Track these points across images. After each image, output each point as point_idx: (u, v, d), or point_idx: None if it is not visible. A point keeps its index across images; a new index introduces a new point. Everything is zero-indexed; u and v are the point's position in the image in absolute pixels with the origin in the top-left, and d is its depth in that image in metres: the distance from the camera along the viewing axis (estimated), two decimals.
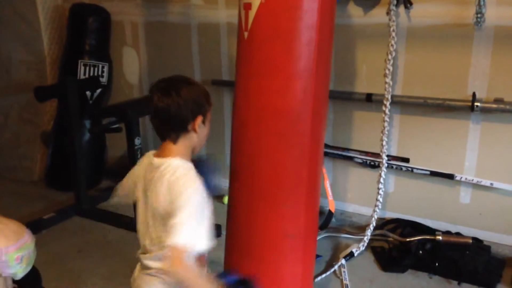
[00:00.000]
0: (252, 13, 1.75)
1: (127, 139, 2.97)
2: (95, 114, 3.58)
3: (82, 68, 3.66)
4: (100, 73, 3.71)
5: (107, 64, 3.77)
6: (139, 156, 2.98)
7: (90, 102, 3.67)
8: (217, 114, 3.55)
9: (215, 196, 1.52)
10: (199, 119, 1.46)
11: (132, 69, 3.89)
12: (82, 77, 3.64)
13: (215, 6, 3.33)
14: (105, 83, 3.75)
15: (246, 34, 1.79)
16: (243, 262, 1.96)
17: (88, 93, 3.63)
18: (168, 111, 1.41)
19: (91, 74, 3.66)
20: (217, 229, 3.05)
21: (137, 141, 2.97)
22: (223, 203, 3.50)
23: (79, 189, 3.37)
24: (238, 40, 1.91)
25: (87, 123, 3.63)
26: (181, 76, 1.50)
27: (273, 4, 1.74)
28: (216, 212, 3.45)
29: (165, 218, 1.37)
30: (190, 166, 1.43)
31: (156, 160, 1.45)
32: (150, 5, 3.64)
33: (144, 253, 1.51)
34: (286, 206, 1.91)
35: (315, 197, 2.02)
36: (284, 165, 1.88)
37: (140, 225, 1.51)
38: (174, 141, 1.44)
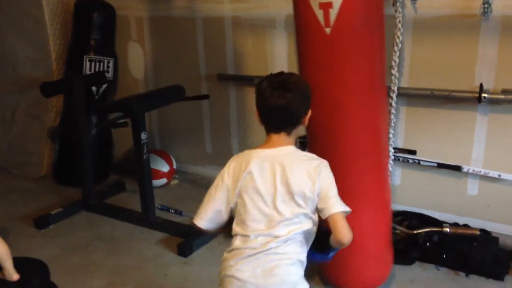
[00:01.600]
0: (334, 11, 1.90)
1: (133, 134, 2.98)
2: (101, 109, 3.59)
3: (88, 63, 3.67)
4: (105, 68, 3.71)
5: (112, 59, 3.77)
6: (145, 150, 3.00)
7: (96, 97, 3.68)
8: (223, 109, 3.55)
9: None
10: (309, 113, 1.57)
11: (137, 64, 3.89)
12: (87, 72, 3.65)
13: (220, 0, 3.32)
14: (111, 78, 3.76)
15: (328, 30, 1.94)
16: None
17: (94, 88, 3.64)
18: (291, 107, 1.50)
19: (97, 69, 3.67)
20: None
21: (143, 135, 2.98)
22: None
23: (86, 184, 3.38)
24: (313, 36, 2.01)
25: (93, 119, 3.64)
26: (288, 72, 1.60)
27: (355, 0, 1.93)
28: None
29: (307, 196, 1.47)
30: None
31: (273, 151, 1.53)
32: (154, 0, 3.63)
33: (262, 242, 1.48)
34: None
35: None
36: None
37: (256, 218, 1.49)
38: (289, 133, 1.55)
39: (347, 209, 1.48)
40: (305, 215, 1.49)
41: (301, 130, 1.59)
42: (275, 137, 1.54)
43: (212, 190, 1.58)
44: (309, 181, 1.47)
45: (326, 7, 1.91)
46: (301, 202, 1.47)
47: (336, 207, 1.47)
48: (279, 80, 1.51)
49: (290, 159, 1.51)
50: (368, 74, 2.05)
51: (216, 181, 1.58)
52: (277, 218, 1.47)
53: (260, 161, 1.51)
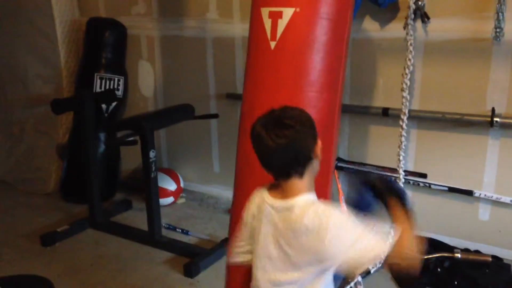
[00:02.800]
0: (283, 22, 1.69)
1: (141, 152, 2.97)
2: (111, 127, 3.59)
3: (98, 81, 3.69)
4: (116, 86, 3.74)
5: (122, 77, 3.80)
6: (153, 169, 2.99)
7: (106, 115, 3.70)
8: (232, 128, 3.54)
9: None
10: (319, 142, 1.31)
11: (147, 83, 3.91)
12: (98, 90, 3.67)
13: (230, 20, 3.34)
14: (121, 96, 3.77)
15: (273, 44, 1.73)
16: None
17: (103, 106, 3.66)
18: (293, 145, 1.25)
19: (107, 87, 3.69)
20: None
21: (151, 154, 2.97)
22: None
23: (93, 202, 3.37)
24: (258, 50, 1.83)
25: (102, 136, 3.65)
26: (281, 107, 1.32)
27: (307, 14, 1.69)
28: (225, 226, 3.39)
29: (310, 263, 1.27)
30: (315, 199, 1.32)
31: (280, 203, 1.31)
32: (166, 19, 3.67)
33: None
34: None
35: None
36: None
37: (260, 270, 1.37)
38: (301, 176, 1.29)
39: (390, 240, 1.24)
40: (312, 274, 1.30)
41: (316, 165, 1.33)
42: (284, 183, 1.30)
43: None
44: (318, 248, 1.24)
45: (275, 16, 1.70)
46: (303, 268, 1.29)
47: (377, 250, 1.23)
48: (273, 119, 1.27)
49: (294, 221, 1.27)
50: (312, 102, 1.78)
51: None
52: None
53: (267, 213, 1.34)
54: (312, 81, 1.77)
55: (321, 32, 1.72)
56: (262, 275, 1.36)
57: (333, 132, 1.90)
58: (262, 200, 1.37)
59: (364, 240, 1.22)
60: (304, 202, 1.28)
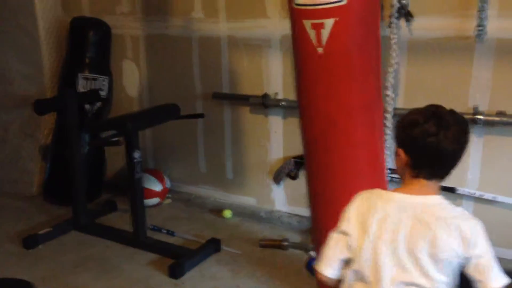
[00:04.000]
0: (326, 32, 1.89)
1: (126, 153, 2.95)
2: (95, 127, 3.56)
3: (82, 81, 3.65)
4: (100, 86, 3.70)
5: (107, 77, 3.76)
6: (138, 169, 2.96)
7: (90, 115, 3.65)
8: (218, 128, 3.53)
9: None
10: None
11: (132, 82, 3.88)
12: (81, 90, 3.63)
13: (216, 19, 3.33)
14: (105, 96, 3.73)
15: (320, 49, 1.93)
16: None
17: (87, 106, 3.62)
18: (461, 152, 1.30)
19: (91, 87, 3.65)
20: (217, 244, 3.02)
21: (136, 154, 2.94)
22: (223, 217, 3.47)
23: (77, 203, 3.33)
24: (307, 56, 2.00)
25: (86, 137, 3.61)
26: (439, 106, 1.35)
27: (346, 21, 1.90)
28: (216, 227, 3.40)
29: (450, 261, 1.27)
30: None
31: (414, 198, 1.31)
32: (151, 18, 3.64)
33: None
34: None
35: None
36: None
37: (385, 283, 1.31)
38: (443, 179, 1.33)
39: (508, 280, 1.29)
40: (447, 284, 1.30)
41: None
42: (423, 182, 1.31)
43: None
44: (461, 246, 1.27)
45: (318, 27, 1.90)
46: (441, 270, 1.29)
47: (499, 280, 1.29)
48: (444, 120, 1.27)
49: (438, 217, 1.28)
50: (361, 93, 2.04)
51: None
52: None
53: (398, 210, 1.31)
54: (360, 80, 2.01)
55: (360, 34, 1.95)
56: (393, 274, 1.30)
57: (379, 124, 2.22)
58: (385, 199, 1.35)
59: (494, 259, 1.31)
60: (439, 200, 1.32)
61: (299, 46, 2.06)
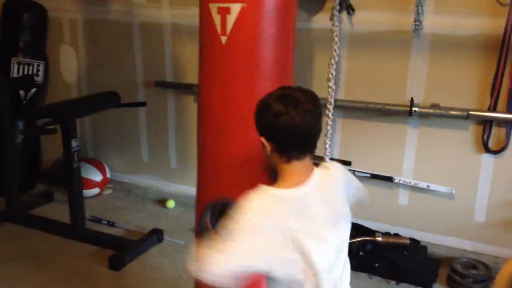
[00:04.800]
0: (232, 18, 1.73)
1: (63, 141, 2.84)
2: (29, 115, 3.39)
3: (16, 66, 3.46)
4: (35, 71, 3.52)
5: (42, 62, 3.59)
6: (76, 159, 2.86)
7: (24, 102, 3.48)
8: (161, 117, 3.47)
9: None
10: None
11: (70, 68, 3.73)
12: (15, 75, 3.45)
13: (158, 5, 3.25)
14: (41, 82, 3.57)
15: (224, 38, 1.77)
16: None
17: (21, 92, 3.44)
18: (316, 125, 1.27)
19: (25, 72, 3.47)
20: (160, 234, 2.98)
21: (74, 143, 2.84)
22: (166, 207, 3.43)
23: (10, 194, 3.18)
24: (210, 44, 1.85)
25: (20, 124, 3.44)
26: (285, 87, 1.34)
27: (254, 8, 1.74)
28: (158, 217, 3.35)
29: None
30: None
31: (315, 179, 1.28)
32: (90, 2, 3.50)
33: None
34: None
35: None
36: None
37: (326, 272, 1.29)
38: (312, 153, 1.31)
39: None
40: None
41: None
42: (300, 165, 1.27)
43: None
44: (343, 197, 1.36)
45: (223, 12, 1.74)
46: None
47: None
48: (291, 97, 1.25)
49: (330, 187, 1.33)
50: (265, 93, 1.82)
51: None
52: None
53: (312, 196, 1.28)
54: (263, 72, 1.81)
55: (269, 24, 1.78)
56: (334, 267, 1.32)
57: None
58: (288, 196, 1.25)
59: None
60: (318, 172, 1.32)
61: (204, 33, 1.88)
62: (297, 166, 1.27)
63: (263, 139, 1.28)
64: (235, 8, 1.71)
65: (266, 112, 1.25)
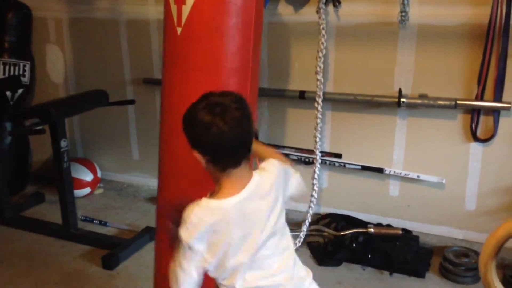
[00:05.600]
0: (187, 8, 1.70)
1: (52, 142, 2.82)
2: (16, 116, 3.36)
3: (1, 67, 3.44)
4: (21, 72, 3.50)
5: (28, 62, 3.56)
6: (65, 159, 2.84)
7: (11, 103, 3.45)
8: (150, 114, 3.45)
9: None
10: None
11: (57, 68, 3.69)
12: (1, 76, 3.42)
13: (144, 2, 3.23)
14: (27, 83, 3.54)
15: (179, 30, 1.74)
16: None
17: (8, 93, 3.41)
18: (248, 128, 1.25)
19: (11, 73, 3.45)
20: (152, 232, 2.97)
21: (63, 143, 2.82)
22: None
23: (1, 196, 3.15)
24: (168, 36, 1.85)
25: (8, 126, 3.40)
26: (211, 92, 1.28)
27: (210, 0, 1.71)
28: (151, 215, 3.33)
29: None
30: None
31: (247, 193, 1.27)
32: (74, 0, 3.47)
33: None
34: None
35: None
36: None
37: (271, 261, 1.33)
38: (248, 159, 1.29)
39: None
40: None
41: None
42: (237, 173, 1.26)
43: None
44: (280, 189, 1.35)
45: (179, 2, 1.71)
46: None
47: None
48: (217, 104, 1.21)
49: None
50: (221, 86, 1.74)
51: None
52: None
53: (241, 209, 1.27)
54: (219, 65, 1.78)
55: (225, 16, 1.74)
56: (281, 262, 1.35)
57: None
58: (220, 211, 1.26)
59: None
60: (256, 178, 1.31)
61: (164, 24, 1.86)
62: (234, 174, 1.26)
63: (195, 153, 1.25)
64: None
65: (194, 124, 1.22)
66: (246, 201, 1.27)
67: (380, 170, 2.80)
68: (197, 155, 1.25)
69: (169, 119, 1.93)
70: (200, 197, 1.28)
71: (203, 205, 1.25)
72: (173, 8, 1.74)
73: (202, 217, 1.24)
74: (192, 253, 1.26)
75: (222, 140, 1.20)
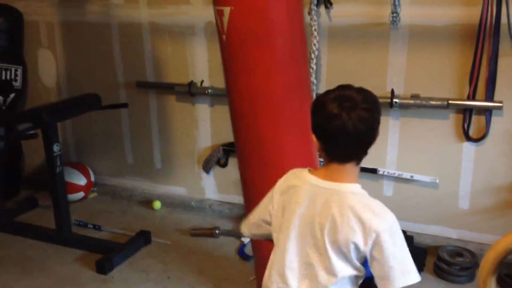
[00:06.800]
0: (226, 19, 1.92)
1: (44, 146, 2.81)
2: (8, 121, 3.33)
3: None
4: (13, 77, 3.47)
5: (20, 67, 3.52)
6: (58, 163, 2.83)
7: (3, 108, 3.42)
8: (143, 117, 3.45)
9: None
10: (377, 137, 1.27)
11: (49, 72, 3.68)
12: None
13: (136, 5, 3.22)
14: (19, 87, 3.50)
15: (224, 37, 1.97)
16: None
17: (0, 98, 3.38)
18: (369, 132, 1.23)
19: (3, 78, 3.42)
20: (147, 236, 2.96)
21: (55, 147, 2.81)
22: (152, 208, 3.41)
23: None
24: (220, 41, 2.04)
25: (0, 131, 3.38)
26: (348, 86, 1.28)
27: (241, 10, 1.91)
28: (145, 219, 3.33)
29: (346, 252, 1.24)
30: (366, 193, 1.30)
31: (329, 184, 1.27)
32: (66, 4, 3.46)
33: None
34: None
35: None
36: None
37: (288, 261, 1.31)
38: (358, 162, 1.28)
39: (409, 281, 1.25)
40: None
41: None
42: (336, 167, 1.27)
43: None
44: (361, 241, 1.22)
45: (220, 14, 1.94)
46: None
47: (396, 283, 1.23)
48: (350, 100, 1.21)
49: (345, 205, 1.24)
50: (265, 84, 1.98)
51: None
52: None
53: (310, 194, 1.30)
54: (257, 64, 1.97)
55: (256, 24, 1.93)
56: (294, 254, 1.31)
57: (292, 103, 2.12)
58: (301, 181, 1.33)
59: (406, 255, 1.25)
60: (357, 190, 1.28)
61: (217, 29, 2.07)
62: (337, 169, 1.27)
63: (313, 137, 1.29)
64: (226, 10, 1.91)
65: (320, 112, 1.23)
66: (318, 189, 1.29)
67: (373, 171, 2.80)
68: (313, 138, 1.28)
69: (240, 125, 2.11)
70: None
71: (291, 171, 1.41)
72: (218, 18, 1.97)
73: (283, 178, 1.41)
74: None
75: (340, 134, 1.21)
